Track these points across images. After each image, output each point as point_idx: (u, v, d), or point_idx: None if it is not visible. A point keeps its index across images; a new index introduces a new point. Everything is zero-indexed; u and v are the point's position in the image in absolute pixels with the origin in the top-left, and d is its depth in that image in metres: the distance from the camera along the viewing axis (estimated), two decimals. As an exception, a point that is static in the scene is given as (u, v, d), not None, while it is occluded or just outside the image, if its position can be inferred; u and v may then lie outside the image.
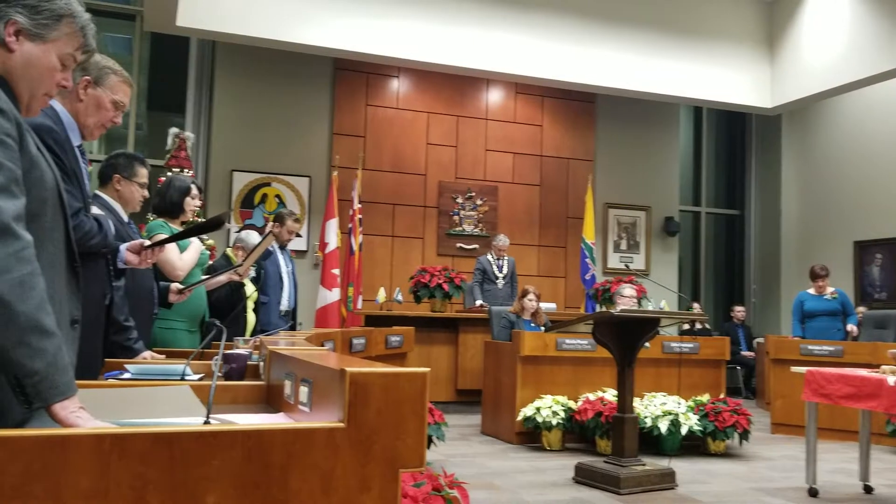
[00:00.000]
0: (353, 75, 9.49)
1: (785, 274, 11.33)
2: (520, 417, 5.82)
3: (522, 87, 10.04)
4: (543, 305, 6.83)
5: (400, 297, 7.86)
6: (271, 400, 1.92)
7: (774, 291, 11.44)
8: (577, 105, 10.44)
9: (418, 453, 1.28)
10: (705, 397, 6.01)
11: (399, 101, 9.76)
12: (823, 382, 4.40)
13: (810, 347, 6.90)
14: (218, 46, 8.94)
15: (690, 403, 5.89)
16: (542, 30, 8.62)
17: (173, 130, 7.22)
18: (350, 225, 8.56)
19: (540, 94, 10.20)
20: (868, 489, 4.67)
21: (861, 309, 8.73)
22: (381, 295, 7.81)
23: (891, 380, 4.02)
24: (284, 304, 5.70)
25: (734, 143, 12.21)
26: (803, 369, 4.60)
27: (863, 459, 4.72)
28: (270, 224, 5.80)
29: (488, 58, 8.42)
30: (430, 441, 4.73)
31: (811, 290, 7.42)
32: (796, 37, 9.23)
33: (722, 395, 6.30)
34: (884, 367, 4.38)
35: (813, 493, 4.52)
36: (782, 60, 9.43)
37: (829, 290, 7.34)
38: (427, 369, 1.30)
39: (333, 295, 8.04)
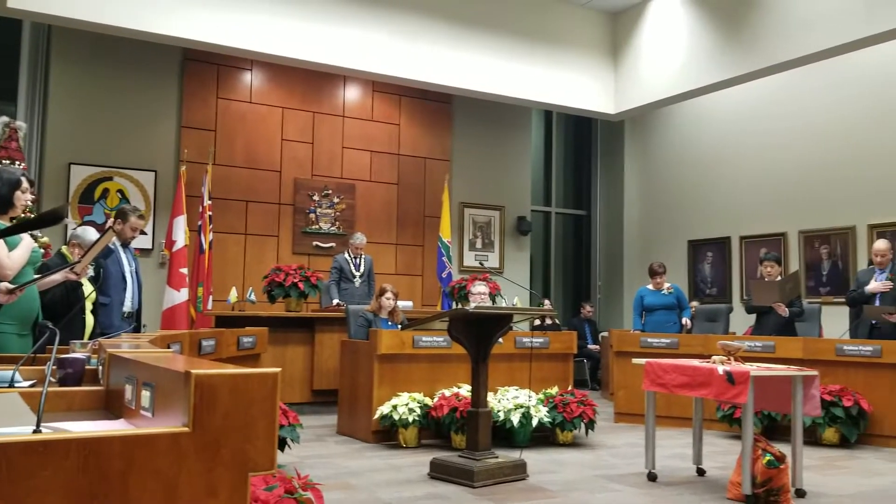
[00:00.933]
0: (203, 66, 9.14)
1: (627, 271, 11.99)
2: (376, 416, 5.82)
3: (380, 86, 10.04)
4: (401, 303, 6.86)
5: (253, 297, 7.65)
6: (111, 406, 1.81)
7: (618, 288, 12.08)
8: (434, 105, 10.57)
9: (269, 456, 1.24)
10: (554, 390, 6.25)
11: (252, 94, 9.49)
12: (661, 373, 4.69)
13: (649, 340, 7.33)
14: (55, 31, 8.34)
15: (541, 396, 6.11)
16: (401, 29, 8.66)
17: (3, 119, 6.66)
18: (199, 222, 8.24)
19: (397, 93, 10.24)
20: (701, 472, 5.02)
21: (694, 303, 9.38)
22: (233, 295, 7.57)
23: (720, 369, 4.34)
24: (127, 306, 5.40)
25: (582, 146, 12.78)
26: (643, 361, 4.88)
27: (696, 444, 5.06)
28: (111, 220, 5.48)
29: (345, 55, 8.36)
30: (283, 443, 4.63)
31: (650, 286, 7.88)
32: (637, 48, 9.78)
33: (570, 388, 6.57)
34: (714, 357, 4.72)
35: (652, 477, 4.80)
36: (625, 69, 9.96)
37: (666, 285, 7.83)
38: (277, 370, 1.26)
39: (181, 295, 7.72)
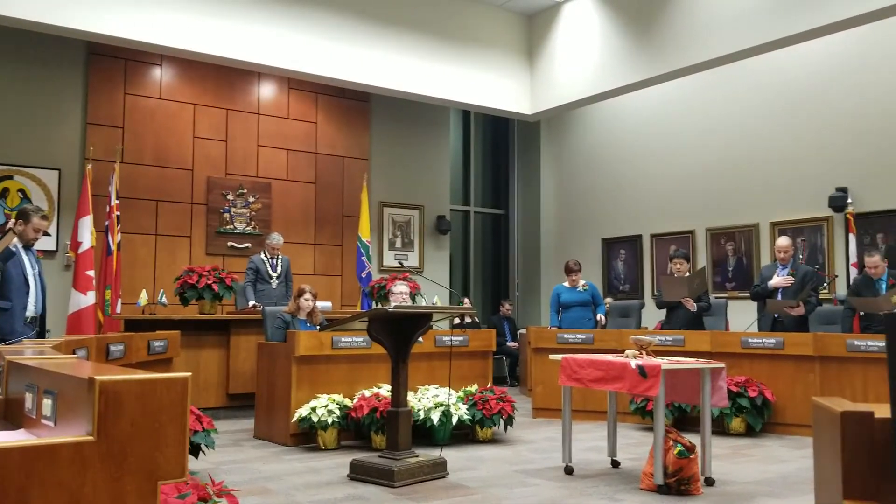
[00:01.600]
0: (110, 61, 8.81)
1: (544, 269, 12.20)
2: (295, 418, 5.74)
3: (296, 83, 9.91)
4: (320, 304, 6.78)
5: (164, 300, 7.42)
6: (10, 416, 1.72)
7: (536, 285, 12.28)
8: (352, 104, 10.50)
9: (179, 463, 1.21)
10: (474, 387, 6.30)
11: (162, 90, 9.20)
12: (577, 368, 4.78)
13: (565, 336, 7.47)
14: (-55, 20, 7.88)
15: (461, 394, 6.15)
16: (317, 26, 8.56)
17: None
18: (107, 222, 7.94)
19: (314, 90, 10.12)
20: (615, 464, 5.15)
21: (608, 300, 9.62)
22: (143, 298, 7.32)
23: (633, 363, 4.46)
24: (30, 310, 5.15)
25: (499, 146, 12.92)
26: (559, 357, 4.97)
27: (610, 437, 5.19)
28: (12, 222, 5.21)
29: (259, 51, 8.20)
30: (197, 449, 4.51)
31: (566, 284, 8.03)
32: (553, 49, 9.96)
33: (489, 385, 6.64)
34: (627, 351, 4.85)
35: (568, 470, 4.90)
36: (541, 70, 10.13)
37: (582, 283, 7.99)
38: (188, 374, 1.23)
39: (88, 299, 7.42)
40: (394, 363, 4.85)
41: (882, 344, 6.03)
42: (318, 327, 6.39)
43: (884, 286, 6.51)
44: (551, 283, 10.05)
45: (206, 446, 4.52)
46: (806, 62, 8.81)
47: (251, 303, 7.66)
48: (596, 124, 11.59)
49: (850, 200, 8.36)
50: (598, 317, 7.92)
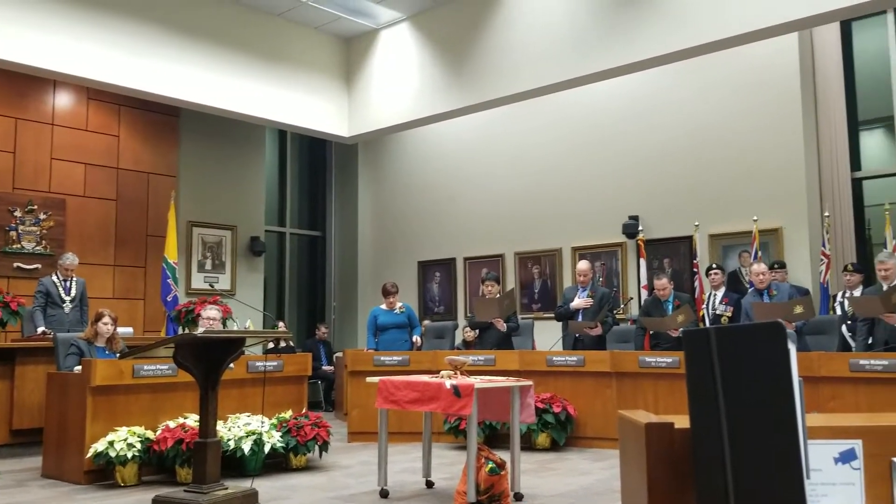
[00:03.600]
0: None
1: (361, 291, 12.19)
2: (89, 454, 5.30)
3: (95, 94, 9.27)
4: (120, 330, 6.33)
5: (-63, 327, 6.61)
6: None
7: (353, 308, 12.24)
8: (159, 118, 9.98)
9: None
10: (288, 413, 6.14)
11: (-61, 94, 8.28)
12: (393, 390, 4.81)
13: (382, 358, 7.49)
14: None
15: (274, 421, 5.97)
16: (121, 35, 8.07)
17: None
18: None
19: (116, 102, 9.53)
20: (430, 484, 5.21)
21: (426, 322, 9.78)
22: (-89, 324, 6.49)
23: (448, 383, 4.55)
24: None
25: (317, 167, 12.81)
26: (376, 379, 4.97)
27: (425, 458, 5.25)
28: None
29: (54, 57, 7.60)
30: (-26, 494, 4.04)
31: (383, 306, 8.07)
32: (370, 74, 10.06)
33: (304, 410, 6.50)
34: (442, 372, 4.94)
35: (384, 494, 4.89)
36: (358, 94, 10.18)
37: (399, 305, 8.06)
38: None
39: None
40: (202, 391, 4.62)
41: (669, 360, 6.58)
42: (117, 355, 5.95)
43: (670, 307, 7.11)
44: (368, 306, 10.06)
45: (-16, 490, 4.06)
46: (603, 100, 9.52)
47: (40, 329, 7.02)
48: (413, 149, 11.81)
49: (640, 228, 9.09)
50: (415, 338, 8.01)
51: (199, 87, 8.74)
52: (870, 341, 6.17)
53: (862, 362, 5.75)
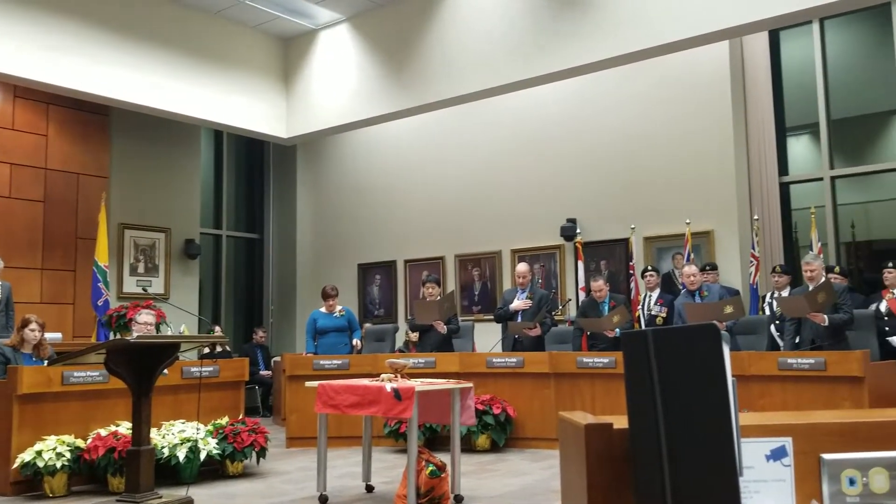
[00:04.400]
0: None
1: (300, 295, 12.05)
2: (16, 465, 5.11)
3: (23, 91, 8.94)
4: (48, 336, 6.12)
5: None
6: None
7: (291, 312, 12.09)
8: (90, 117, 9.69)
9: None
10: (224, 420, 6.03)
11: None
12: (333, 394, 4.76)
13: (322, 362, 7.42)
14: None
15: (210, 427, 5.85)
16: (49, 32, 7.82)
17: None
18: None
19: (45, 100, 9.21)
20: (370, 488, 5.19)
21: (366, 325, 9.73)
22: None
23: (388, 386, 4.53)
24: None
25: (254, 168, 12.62)
26: (315, 383, 4.92)
27: (365, 462, 5.22)
28: None
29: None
30: None
31: (323, 309, 7.99)
32: (309, 75, 9.96)
33: (241, 416, 6.40)
34: (382, 375, 4.92)
35: (323, 499, 4.84)
36: (297, 95, 10.08)
37: (338, 308, 8.00)
38: None
39: None
40: (135, 398, 4.50)
41: (606, 360, 6.70)
42: (45, 361, 5.75)
43: (607, 308, 7.23)
44: (307, 309, 9.96)
45: None
46: (543, 104, 9.63)
47: (-38, 336, 6.73)
48: (353, 151, 11.74)
49: (578, 231, 9.22)
50: (355, 342, 7.97)
51: (131, 86, 8.52)
52: (797, 340, 6.39)
53: (790, 361, 5.96)
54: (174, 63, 8.93)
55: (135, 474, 4.40)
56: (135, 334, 5.80)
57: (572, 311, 8.94)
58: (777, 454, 1.61)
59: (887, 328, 6.73)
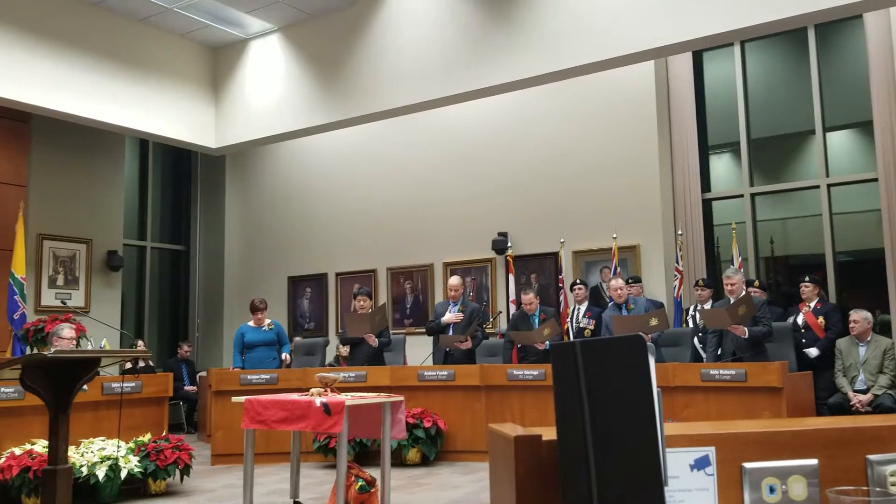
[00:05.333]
0: None
1: (228, 308, 11.80)
2: (-80, 488, 4.84)
3: (-66, 95, 8.54)
4: (-44, 351, 5.84)
5: None
6: None
7: (218, 326, 11.82)
8: (8, 123, 9.29)
9: None
10: (147, 437, 5.85)
11: None
12: (261, 409, 4.67)
13: (249, 377, 7.28)
14: None
15: (131, 445, 5.67)
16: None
17: None
18: None
19: (-43, 105, 8.81)
20: (298, 504, 5.10)
21: (296, 339, 9.58)
22: None
23: (318, 401, 4.47)
24: None
25: (181, 179, 12.33)
26: (242, 399, 4.81)
27: (293, 478, 5.13)
28: None
29: None
30: None
31: (251, 323, 7.85)
32: (239, 85, 9.82)
33: (164, 433, 6.21)
34: (312, 389, 4.85)
35: (251, 517, 4.74)
36: (226, 104, 9.91)
37: (267, 321, 7.87)
38: None
39: None
40: (52, 415, 4.31)
41: (535, 372, 6.77)
42: (-46, 378, 5.48)
43: (537, 320, 7.32)
44: (235, 323, 9.76)
45: None
46: (475, 119, 9.72)
47: None
48: (284, 162, 11.60)
49: (509, 244, 9.32)
50: (284, 356, 7.84)
51: (53, 93, 8.24)
52: (719, 352, 6.59)
53: (712, 372, 6.13)
54: (99, 70, 8.67)
55: (51, 495, 4.21)
56: (52, 349, 5.57)
57: (503, 324, 9.01)
58: (701, 463, 1.65)
59: (804, 340, 7.02)
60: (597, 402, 1.37)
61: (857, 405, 6.45)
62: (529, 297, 7.38)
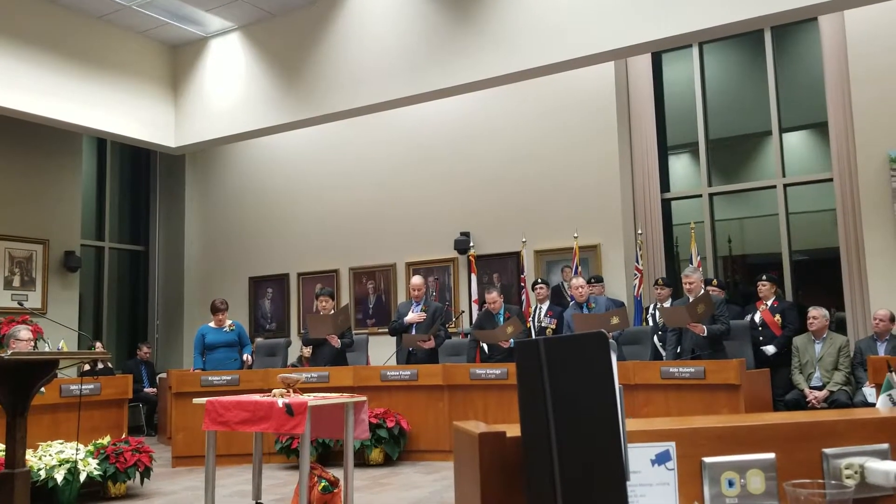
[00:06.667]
0: None
1: (188, 309, 11.66)
2: None
3: None
4: None
5: None
6: None
7: (178, 327, 11.67)
8: (-42, 120, 9.09)
9: None
10: (106, 439, 5.76)
11: None
12: (222, 411, 4.63)
13: (210, 378, 7.20)
14: None
15: (90, 448, 5.58)
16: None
17: None
18: None
19: None
20: (261, 506, 5.07)
21: (257, 340, 9.50)
22: None
23: (280, 402, 4.44)
24: None
25: (140, 178, 12.14)
26: (203, 400, 4.77)
27: (255, 479, 5.09)
28: None
29: None
30: None
31: (212, 324, 7.77)
32: (199, 83, 9.70)
33: (124, 436, 6.13)
34: (274, 390, 4.82)
35: (213, 519, 4.69)
36: (186, 103, 9.79)
37: (228, 322, 7.79)
38: None
39: None
40: (10, 418, 4.23)
41: (498, 371, 6.81)
42: None
43: (501, 319, 7.36)
44: (195, 324, 9.65)
45: None
46: (437, 119, 9.73)
47: None
48: (245, 161, 11.49)
49: (472, 244, 9.35)
50: (245, 357, 7.77)
51: (8, 91, 8.06)
52: (678, 350, 6.69)
53: (672, 370, 6.23)
54: (56, 68, 8.50)
55: (8, 499, 4.13)
56: (8, 351, 5.45)
57: (466, 324, 9.04)
58: (661, 458, 1.68)
59: (761, 338, 7.16)
60: (560, 397, 1.39)
61: (814, 401, 6.60)
62: (493, 296, 7.42)
